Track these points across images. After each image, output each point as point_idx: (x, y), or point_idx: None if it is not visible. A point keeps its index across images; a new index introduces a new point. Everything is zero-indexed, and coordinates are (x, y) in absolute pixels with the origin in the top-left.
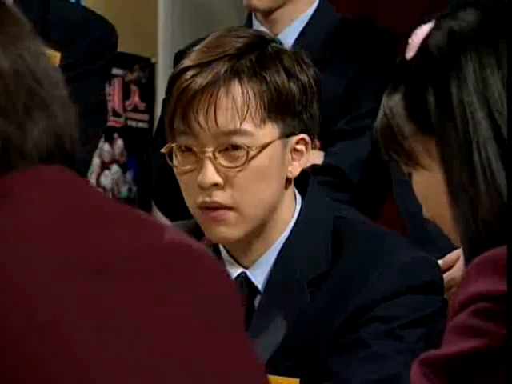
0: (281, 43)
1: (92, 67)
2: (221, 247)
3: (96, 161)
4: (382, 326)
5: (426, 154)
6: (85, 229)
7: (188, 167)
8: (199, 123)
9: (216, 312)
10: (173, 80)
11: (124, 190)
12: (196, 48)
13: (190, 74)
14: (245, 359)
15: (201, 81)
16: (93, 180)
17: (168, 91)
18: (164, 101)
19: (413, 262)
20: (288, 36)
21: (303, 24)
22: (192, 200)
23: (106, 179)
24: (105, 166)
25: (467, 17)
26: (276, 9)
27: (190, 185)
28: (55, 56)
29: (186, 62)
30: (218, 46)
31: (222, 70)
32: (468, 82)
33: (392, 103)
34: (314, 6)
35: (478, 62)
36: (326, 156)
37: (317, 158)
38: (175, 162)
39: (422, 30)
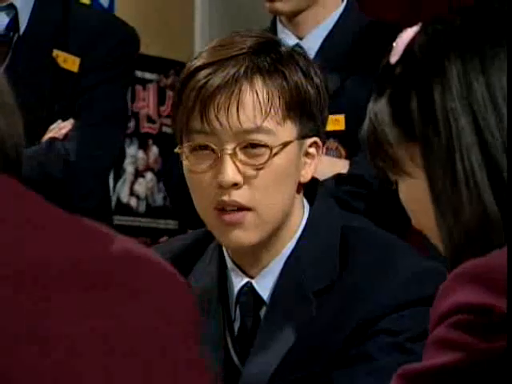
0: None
1: (113, 73)
2: (226, 257)
3: (130, 168)
4: (389, 338)
5: (411, 161)
6: (20, 240)
7: (203, 166)
8: (219, 121)
9: (162, 325)
10: (185, 81)
11: (159, 198)
12: (205, 49)
13: (205, 72)
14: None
15: (221, 78)
16: (126, 188)
17: (180, 93)
18: (173, 104)
19: (420, 273)
20: (313, 39)
21: (329, 27)
22: (206, 202)
23: (141, 187)
24: (139, 173)
25: (453, 21)
26: (300, 12)
27: (204, 185)
28: (74, 62)
29: (199, 62)
30: (231, 45)
31: (243, 67)
32: (452, 87)
33: (377, 108)
34: (341, 8)
35: (462, 67)
36: (350, 165)
37: (343, 166)
38: (186, 162)
39: (407, 34)
